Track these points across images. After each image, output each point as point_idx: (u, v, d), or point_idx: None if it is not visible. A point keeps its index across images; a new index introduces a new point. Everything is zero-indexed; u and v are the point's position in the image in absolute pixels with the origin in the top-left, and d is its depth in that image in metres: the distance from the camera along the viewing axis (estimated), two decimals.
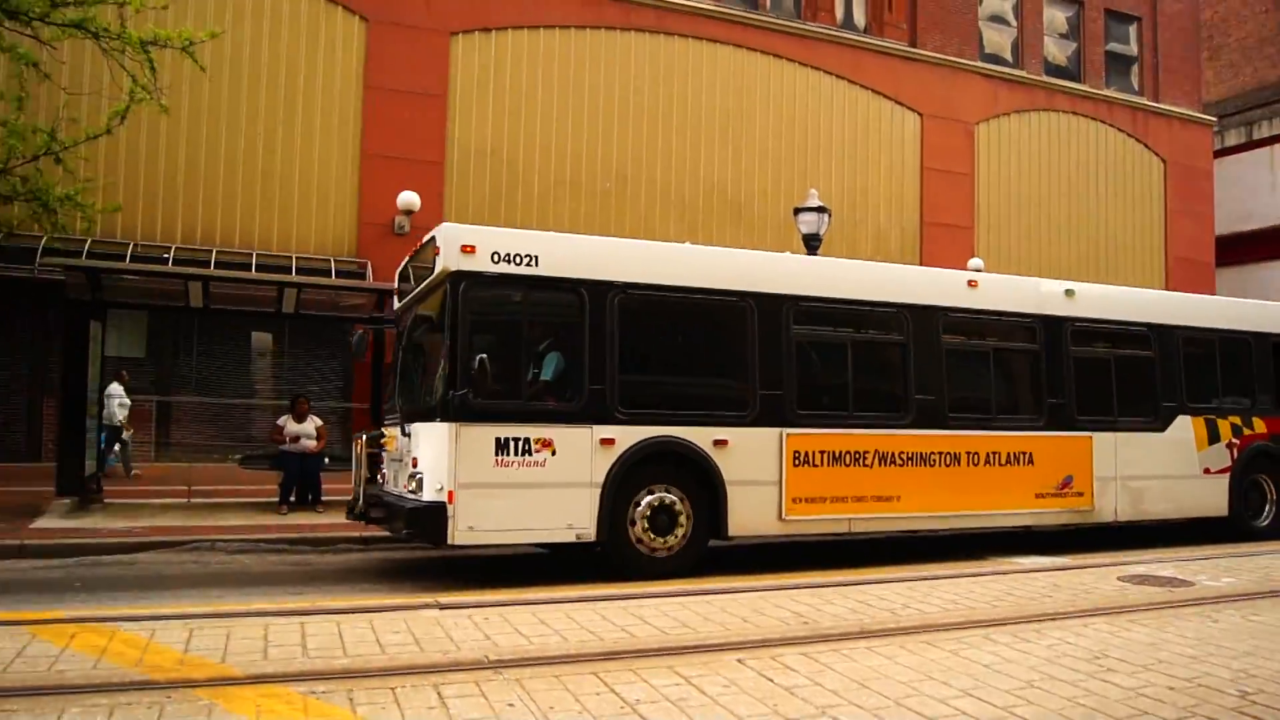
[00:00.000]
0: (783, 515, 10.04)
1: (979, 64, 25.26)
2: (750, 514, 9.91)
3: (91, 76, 16.16)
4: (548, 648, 5.91)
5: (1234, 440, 12.93)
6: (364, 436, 10.66)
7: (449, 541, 8.73)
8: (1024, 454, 11.37)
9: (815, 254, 15.77)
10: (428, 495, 8.83)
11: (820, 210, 16.15)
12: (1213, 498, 12.73)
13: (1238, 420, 13.01)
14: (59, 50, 14.01)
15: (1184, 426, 12.56)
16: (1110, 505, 11.88)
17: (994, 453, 11.20)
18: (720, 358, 10.36)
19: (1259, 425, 13.18)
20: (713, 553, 10.11)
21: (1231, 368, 13.21)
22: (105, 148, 16.07)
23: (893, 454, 10.62)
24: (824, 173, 22.73)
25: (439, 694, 4.97)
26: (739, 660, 5.69)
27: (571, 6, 20.84)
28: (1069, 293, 12.10)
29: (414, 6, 19.44)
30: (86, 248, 15.90)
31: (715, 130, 21.95)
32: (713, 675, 5.37)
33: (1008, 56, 26.10)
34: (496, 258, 9.20)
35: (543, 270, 9.33)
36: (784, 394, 10.18)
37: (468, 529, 8.78)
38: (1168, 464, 12.34)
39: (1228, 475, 12.80)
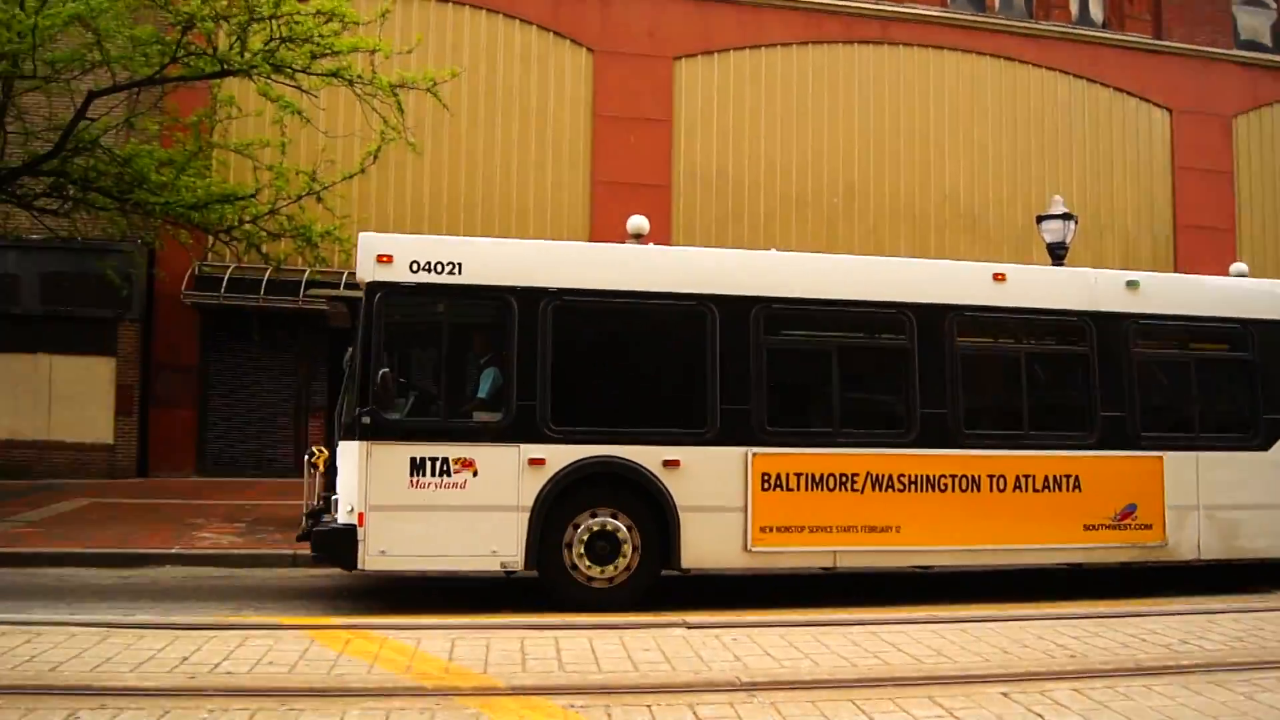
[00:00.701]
0: (749, 546, 8.84)
1: (1234, 52, 23.37)
2: (709, 544, 8.84)
3: (345, 120, 17.41)
4: (799, 672, 5.81)
5: None
6: (313, 453, 10.04)
7: (359, 566, 8.27)
8: (1068, 478, 9.54)
9: (1061, 264, 14.93)
10: (341, 517, 8.43)
11: (1066, 217, 15.29)
12: None
13: None
14: (318, 98, 15.15)
15: None
16: (1190, 540, 9.78)
17: (1026, 476, 9.45)
18: (673, 369, 9.37)
19: None
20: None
21: None
22: (359, 185, 17.26)
23: (890, 477, 9.16)
24: (1064, 178, 21.58)
25: (695, 714, 4.96)
26: (1004, 694, 5.39)
27: (792, 25, 20.79)
28: (1132, 285, 10.16)
29: (637, 35, 19.93)
30: (344, 279, 17.10)
31: (945, 138, 21.32)
32: (976, 708, 5.11)
33: (1266, 41, 24.00)
34: (416, 266, 8.66)
35: (466, 278, 8.68)
36: (751, 409, 9.01)
37: (379, 553, 8.25)
38: (1272, 491, 10.06)
39: None
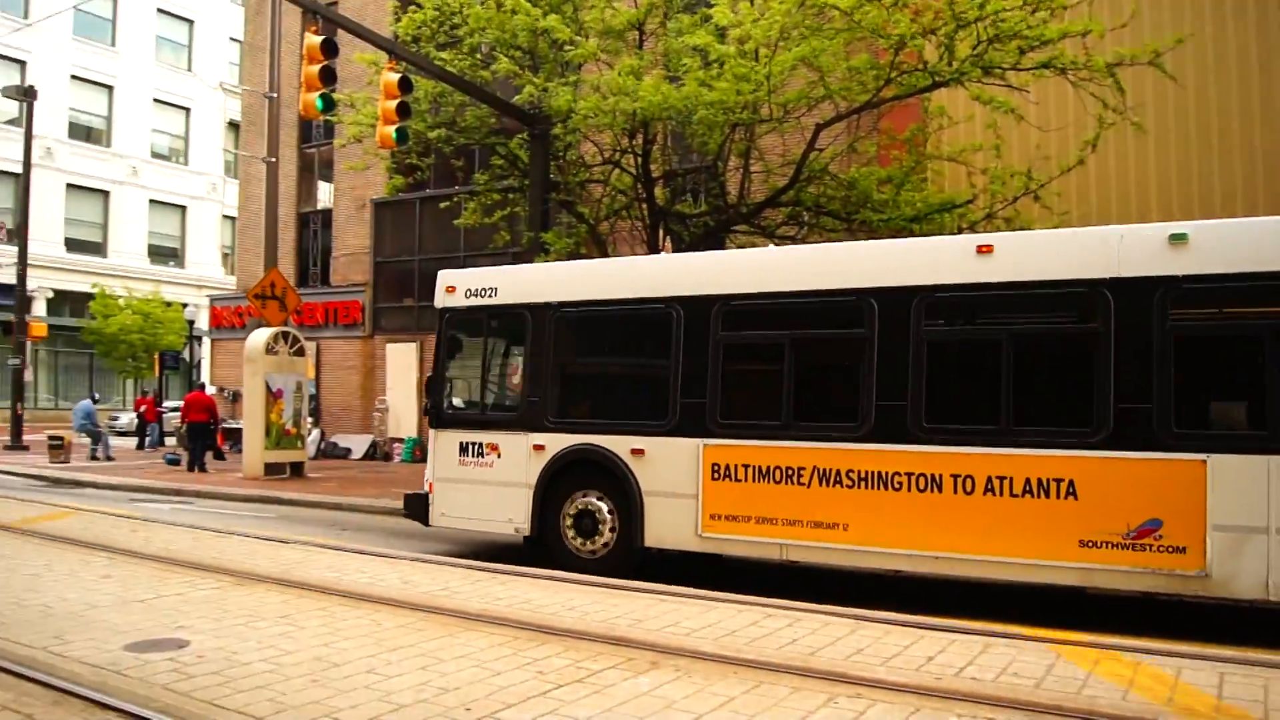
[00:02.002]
0: (699, 531, 9.52)
1: None
2: (667, 526, 9.70)
3: (1057, 112, 16.74)
4: None
5: None
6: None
7: (430, 524, 11.11)
8: (1058, 482, 7.94)
9: None
10: (424, 487, 11.18)
11: None
12: None
13: None
14: (1029, 94, 14.79)
15: None
16: (1254, 573, 7.24)
17: (1001, 478, 8.13)
18: (644, 366, 10.35)
19: None
20: None
21: None
22: (1076, 178, 16.45)
23: (837, 472, 8.82)
24: None
25: None
26: None
27: None
28: (1177, 238, 7.76)
29: None
30: None
31: None
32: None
33: None
34: (469, 293, 10.99)
35: (500, 299, 10.83)
36: (706, 402, 9.54)
37: (441, 515, 11.03)
38: None
39: None
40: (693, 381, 9.72)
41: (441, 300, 11.41)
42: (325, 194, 28.75)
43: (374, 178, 23.63)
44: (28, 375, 29.93)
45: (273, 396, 19.59)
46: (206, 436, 21.75)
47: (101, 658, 6.19)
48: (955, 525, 8.34)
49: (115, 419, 33.35)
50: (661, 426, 9.81)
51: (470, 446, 10.94)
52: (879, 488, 8.70)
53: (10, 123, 38.32)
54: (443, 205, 21.44)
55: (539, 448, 10.46)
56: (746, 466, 9.34)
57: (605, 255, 16.35)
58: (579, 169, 17.95)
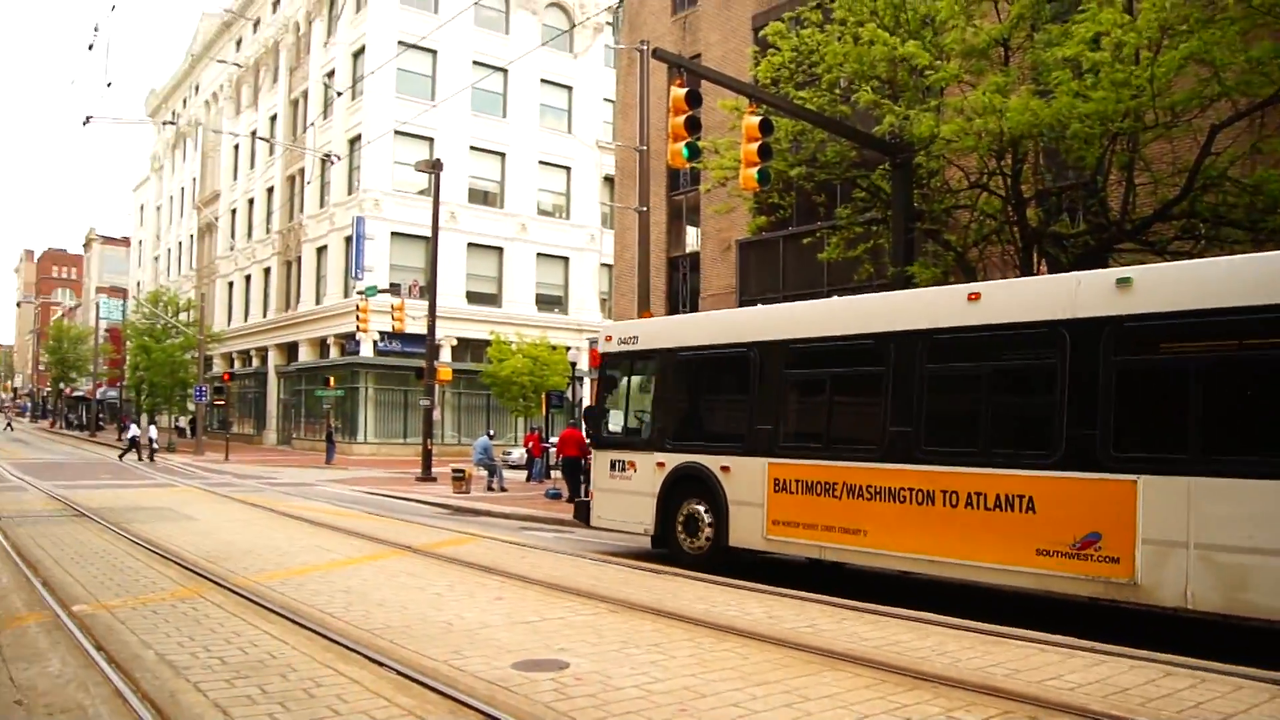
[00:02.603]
0: (765, 535, 11.63)
1: None
2: (744, 530, 11.89)
3: None
4: None
5: None
6: None
7: (591, 525, 14.11)
8: (1020, 498, 9.14)
9: None
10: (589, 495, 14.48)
11: None
12: None
13: None
14: None
15: None
16: (1176, 583, 8.05)
17: (977, 493, 9.47)
18: (733, 398, 12.71)
19: None
20: None
21: None
22: None
23: (861, 487, 10.57)
24: None
25: None
26: None
27: None
28: (1123, 282, 8.71)
29: None
30: None
31: None
32: None
33: None
34: (619, 340, 13.86)
35: (640, 345, 13.59)
36: (773, 427, 11.72)
37: (598, 517, 13.95)
38: None
39: None
40: (764, 409, 11.92)
41: (601, 347, 14.45)
42: (692, 238, 29.90)
43: (738, 219, 24.26)
44: (436, 414, 33.45)
45: None
46: (579, 470, 23.14)
47: (493, 673, 6.71)
48: (944, 533, 9.78)
49: (508, 454, 36.41)
50: (740, 448, 12.10)
51: (617, 463, 13.80)
52: (890, 501, 10.34)
53: (421, 193, 43.39)
54: (805, 241, 21.58)
55: (660, 465, 13.09)
56: (798, 481, 11.33)
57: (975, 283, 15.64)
58: (944, 195, 17.37)
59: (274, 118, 56.44)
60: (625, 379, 14.18)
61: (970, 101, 14.52)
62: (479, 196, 48.01)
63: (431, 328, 31.10)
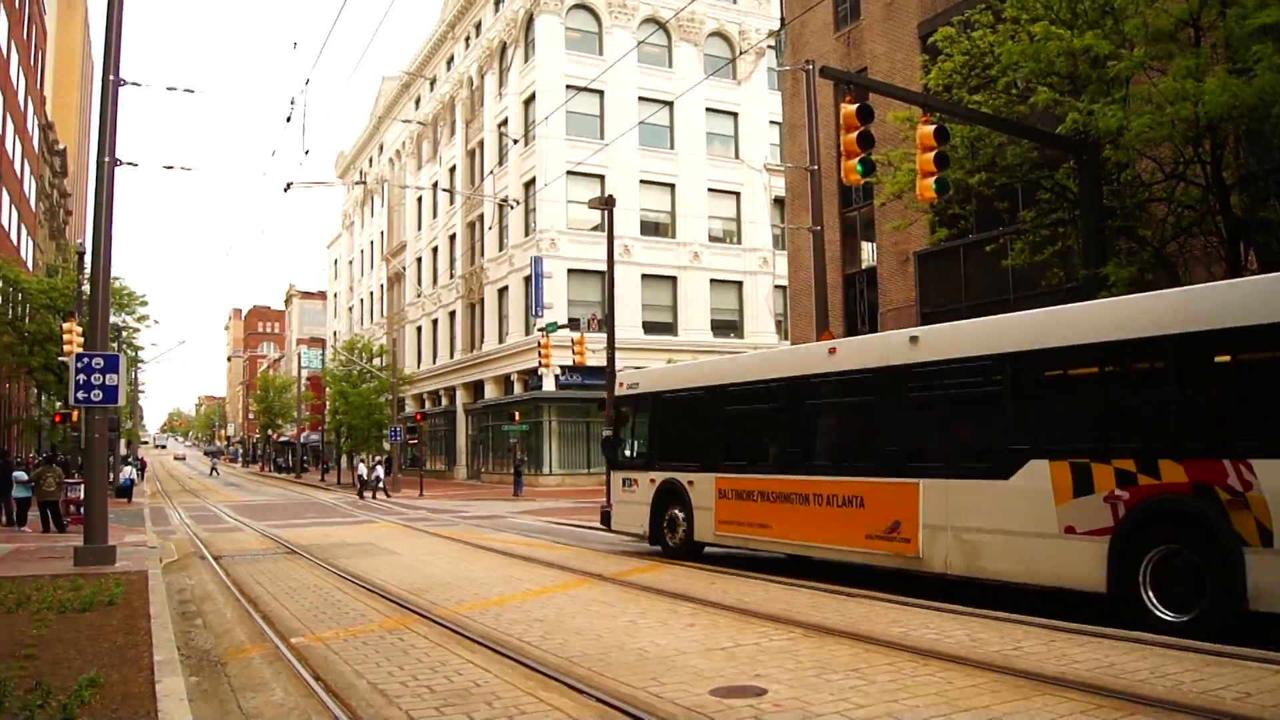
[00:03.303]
0: (715, 532, 15.21)
1: None
2: (703, 528, 15.47)
3: None
4: None
5: (1119, 492, 9.31)
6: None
7: (609, 528, 18.13)
8: (856, 498, 12.51)
9: None
10: (609, 506, 18.30)
11: None
12: (1079, 566, 9.59)
13: (1129, 465, 9.26)
14: None
15: (1036, 474, 10.12)
16: (941, 555, 11.28)
17: (833, 495, 12.87)
18: (695, 428, 16.25)
19: (1170, 472, 8.96)
20: None
21: (1126, 391, 9.92)
22: None
23: (767, 493, 14.11)
24: None
25: None
26: None
27: None
28: (913, 339, 12.11)
29: None
30: None
31: None
32: None
33: None
34: (628, 386, 17.96)
35: (639, 390, 17.55)
36: (718, 450, 15.41)
37: (616, 523, 17.75)
38: (1008, 517, 10.42)
39: (1106, 538, 9.29)
40: (713, 437, 15.63)
41: (616, 392, 18.73)
42: (868, 253, 29.38)
43: (915, 230, 23.68)
44: None
45: None
46: None
47: (690, 700, 6.71)
48: (813, 524, 13.19)
49: None
50: (700, 466, 15.66)
51: (626, 481, 17.59)
52: (782, 502, 13.81)
53: (594, 229, 44.32)
54: (988, 249, 20.86)
55: (652, 480, 16.68)
56: (733, 490, 14.89)
57: (1175, 280, 14.68)
58: (1136, 189, 16.42)
59: (453, 169, 58.96)
60: (631, 416, 17.98)
61: (1161, 88, 13.74)
62: (650, 228, 48.64)
63: (611, 359, 31.56)
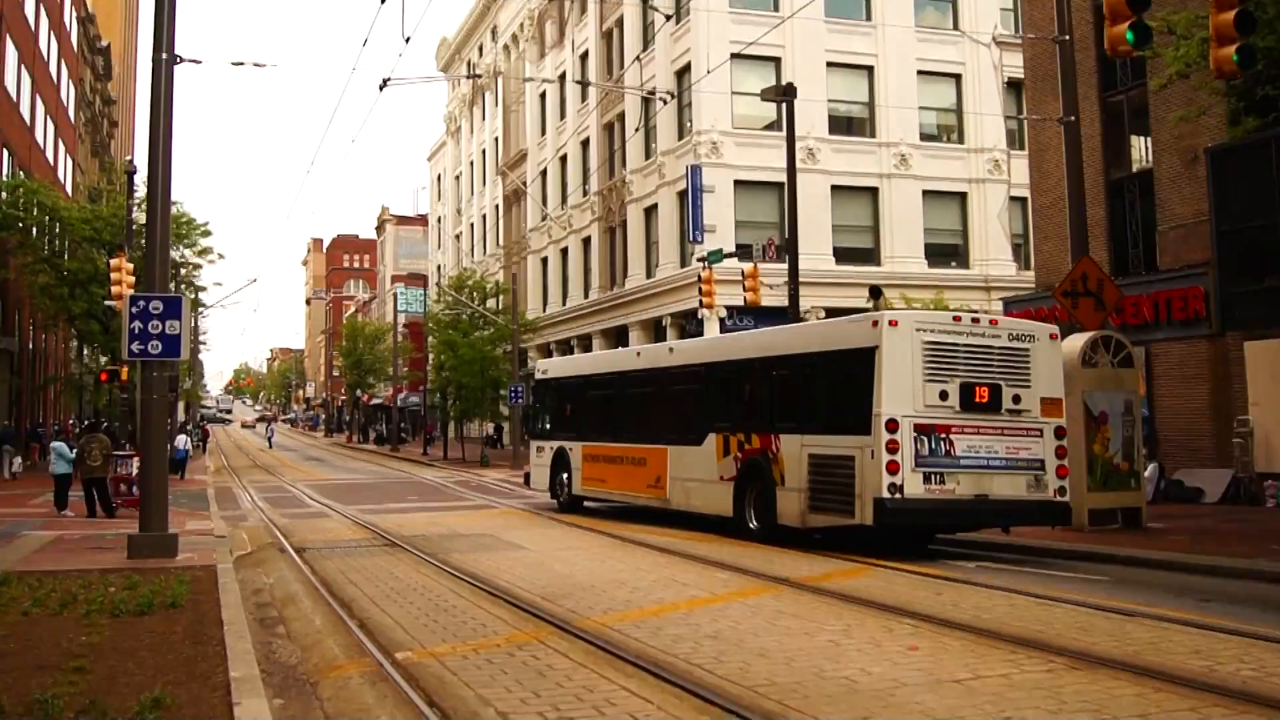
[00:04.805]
0: (581, 488, 26.15)
1: None
2: (576, 486, 26.34)
3: None
4: None
5: (738, 454, 19.73)
6: None
7: (529, 488, 31.25)
8: (642, 459, 23.18)
9: None
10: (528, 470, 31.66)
11: None
12: (724, 501, 20.01)
13: (742, 436, 19.71)
14: None
15: (711, 442, 20.69)
16: (678, 499, 21.71)
17: (633, 457, 23.62)
18: (574, 406, 27.75)
19: (755, 440, 19.30)
20: None
21: (744, 389, 20.91)
22: None
23: (604, 456, 25.08)
24: None
25: None
26: None
27: None
28: (671, 350, 25.40)
29: None
30: None
31: None
32: None
33: None
34: (539, 372, 31.26)
35: (547, 375, 30.23)
36: (584, 423, 26.69)
37: (532, 484, 30.02)
38: (701, 471, 20.94)
39: (734, 482, 19.78)
40: (583, 414, 27.03)
41: (536, 375, 31.89)
42: (1141, 152, 28.22)
43: (1208, 121, 22.57)
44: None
45: (1095, 422, 19.40)
46: None
47: None
48: (625, 479, 24.02)
49: None
50: (575, 436, 26.55)
51: (538, 448, 29.01)
52: (611, 463, 24.70)
53: (768, 127, 43.84)
54: None
55: (551, 448, 27.65)
56: (590, 454, 25.78)
57: None
58: None
59: (585, 56, 59.14)
60: (543, 395, 29.94)
61: None
62: (842, 125, 47.71)
63: (794, 297, 31.24)
